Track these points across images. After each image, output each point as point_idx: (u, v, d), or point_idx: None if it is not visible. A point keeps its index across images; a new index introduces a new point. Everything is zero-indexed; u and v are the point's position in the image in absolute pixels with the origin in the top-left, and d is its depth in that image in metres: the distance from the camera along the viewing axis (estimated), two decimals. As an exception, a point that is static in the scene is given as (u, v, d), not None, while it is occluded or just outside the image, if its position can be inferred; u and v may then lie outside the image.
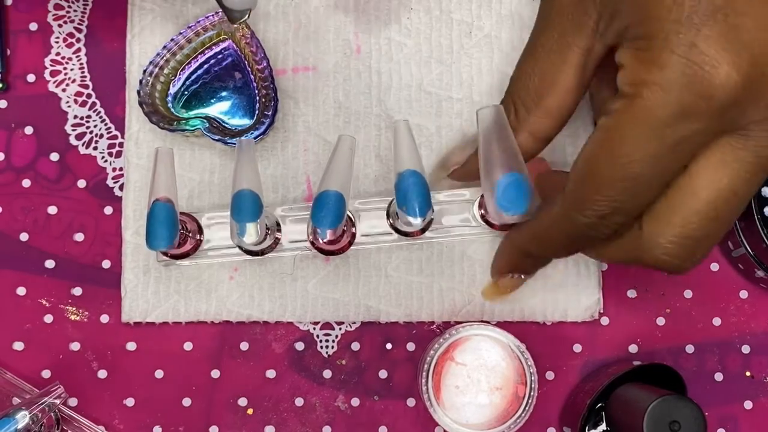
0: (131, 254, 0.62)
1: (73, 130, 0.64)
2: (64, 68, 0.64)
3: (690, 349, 0.63)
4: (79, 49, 0.64)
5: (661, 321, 0.63)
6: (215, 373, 0.63)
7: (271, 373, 0.63)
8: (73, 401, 0.62)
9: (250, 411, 0.63)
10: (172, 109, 0.62)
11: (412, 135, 0.55)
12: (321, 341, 0.63)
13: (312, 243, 0.59)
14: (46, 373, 0.62)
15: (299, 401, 0.63)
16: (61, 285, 0.63)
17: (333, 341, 0.63)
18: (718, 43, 0.44)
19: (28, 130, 0.64)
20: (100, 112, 0.64)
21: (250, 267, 0.62)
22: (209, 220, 0.60)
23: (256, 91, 0.62)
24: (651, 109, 0.45)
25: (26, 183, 0.64)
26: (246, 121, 0.62)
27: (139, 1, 0.63)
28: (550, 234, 0.52)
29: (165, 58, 0.62)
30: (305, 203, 0.61)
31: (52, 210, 0.63)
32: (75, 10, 0.65)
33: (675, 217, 0.48)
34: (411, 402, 0.63)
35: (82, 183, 0.64)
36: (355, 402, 0.63)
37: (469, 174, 0.59)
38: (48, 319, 0.63)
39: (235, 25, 0.60)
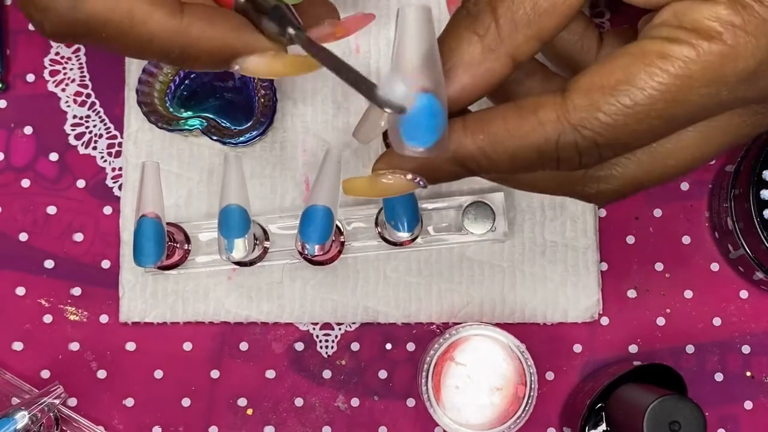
0: (129, 254, 0.62)
1: (73, 129, 0.64)
2: (64, 68, 0.64)
3: (690, 349, 0.63)
4: (78, 49, 0.64)
5: (661, 321, 0.63)
6: (215, 374, 0.63)
7: (270, 374, 0.63)
8: (72, 401, 0.62)
9: (249, 411, 0.63)
10: (171, 109, 0.62)
11: None
12: (321, 341, 0.63)
13: (300, 253, 0.59)
14: (45, 373, 0.62)
15: (299, 401, 0.63)
16: (60, 285, 0.63)
17: (333, 341, 0.63)
18: None
19: (28, 129, 0.64)
20: (99, 111, 0.64)
21: (248, 267, 0.62)
22: (195, 229, 0.61)
23: (255, 91, 0.62)
24: (734, 58, 0.39)
25: (25, 183, 0.63)
26: (245, 122, 0.62)
27: (138, 0, 0.63)
28: (516, 140, 0.42)
29: (164, 57, 0.62)
30: (297, 212, 0.61)
31: (52, 210, 0.63)
32: (74, 10, 0.65)
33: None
34: (411, 402, 0.63)
35: (81, 183, 0.63)
36: (355, 402, 0.63)
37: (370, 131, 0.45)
38: (47, 319, 0.63)
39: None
